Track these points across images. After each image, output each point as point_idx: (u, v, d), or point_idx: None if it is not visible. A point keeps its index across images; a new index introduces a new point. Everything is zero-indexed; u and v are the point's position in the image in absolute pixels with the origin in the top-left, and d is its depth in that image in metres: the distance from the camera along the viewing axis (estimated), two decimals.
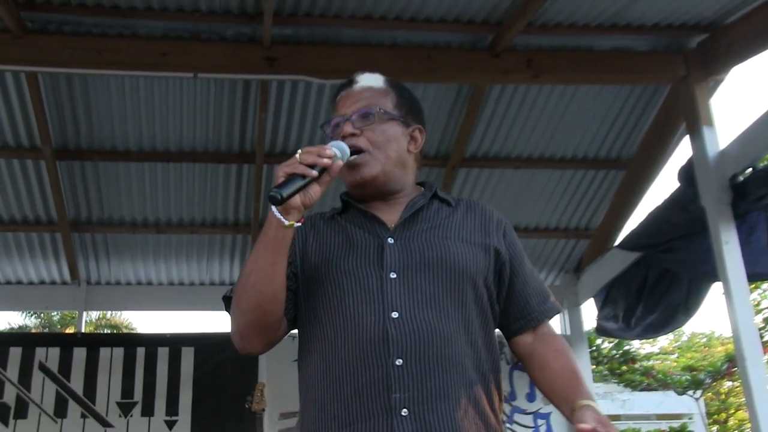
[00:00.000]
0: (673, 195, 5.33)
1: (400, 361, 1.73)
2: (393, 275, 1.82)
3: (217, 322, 40.65)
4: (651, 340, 20.07)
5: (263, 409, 6.10)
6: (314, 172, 1.72)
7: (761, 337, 10.82)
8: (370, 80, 2.06)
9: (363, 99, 1.99)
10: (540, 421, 6.83)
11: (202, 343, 6.70)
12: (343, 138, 1.93)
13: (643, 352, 20.19)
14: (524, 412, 6.87)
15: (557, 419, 6.87)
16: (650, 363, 19.83)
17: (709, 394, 20.18)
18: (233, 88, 5.39)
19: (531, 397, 6.92)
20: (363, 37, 4.91)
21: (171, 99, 5.44)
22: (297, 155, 1.74)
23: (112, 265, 6.92)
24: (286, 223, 1.73)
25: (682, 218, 5.21)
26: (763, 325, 12.40)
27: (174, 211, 6.43)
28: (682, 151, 6.81)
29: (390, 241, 1.89)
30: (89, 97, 5.40)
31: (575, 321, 7.14)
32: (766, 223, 4.85)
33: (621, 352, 18.54)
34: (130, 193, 6.21)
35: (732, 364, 17.54)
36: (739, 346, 4.45)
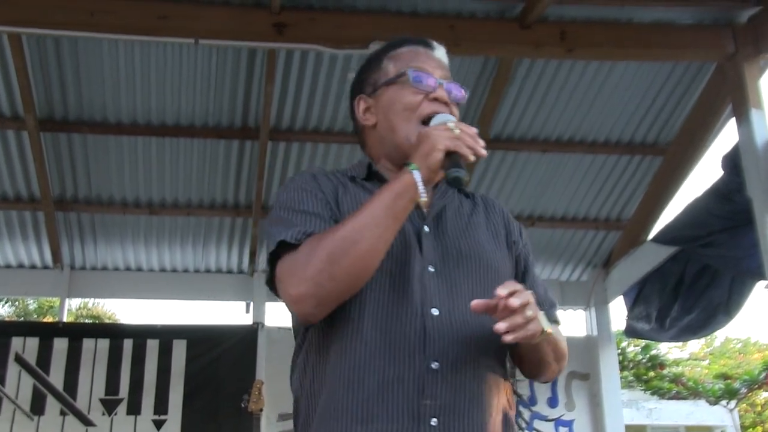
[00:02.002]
0: (715, 184, 5.33)
1: (437, 364, 1.71)
2: (431, 268, 1.82)
3: (212, 313, 40.76)
4: (680, 344, 20.10)
5: (261, 410, 6.13)
6: (472, 157, 1.73)
7: None
8: (444, 53, 2.04)
9: (446, 69, 1.99)
10: (562, 429, 6.87)
11: (195, 335, 6.73)
12: (437, 101, 1.90)
13: (671, 357, 20.22)
14: (545, 419, 6.90)
15: (581, 426, 6.89)
16: (680, 369, 19.86)
17: (744, 405, 20.17)
18: (237, 57, 5.39)
19: (553, 402, 6.95)
20: (381, 3, 4.91)
21: (169, 67, 5.44)
22: (453, 128, 1.73)
23: (99, 249, 6.94)
24: (424, 197, 1.72)
25: (726, 210, 5.22)
26: None
27: (169, 190, 6.44)
28: (727, 136, 6.82)
29: (426, 229, 1.87)
30: (79, 63, 5.39)
31: (602, 320, 7.17)
32: None
33: (648, 356, 18.57)
34: (121, 169, 6.21)
35: None
36: None
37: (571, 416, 6.98)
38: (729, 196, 5.14)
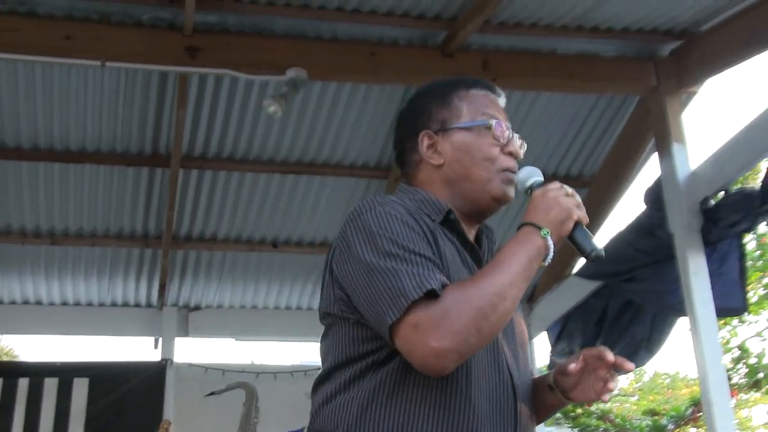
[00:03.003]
0: (638, 218, 5.47)
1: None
2: (506, 349, 1.91)
3: (117, 349, 39.88)
4: None
5: None
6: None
7: (729, 379, 11.09)
8: (504, 102, 2.11)
9: (509, 123, 2.05)
10: None
11: (98, 373, 6.63)
12: (513, 156, 1.98)
13: None
14: None
15: None
16: (608, 406, 20.15)
17: None
18: (147, 81, 5.35)
19: None
20: (299, 27, 4.93)
21: (73, 90, 5.36)
22: (571, 192, 1.85)
23: None
24: (549, 261, 1.82)
25: (648, 244, 5.35)
26: (732, 365, 12.74)
27: (72, 219, 6.35)
28: (650, 170, 7.00)
29: None
30: None
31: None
32: (739, 253, 5.02)
33: None
34: (21, 196, 6.11)
35: (697, 409, 17.89)
36: (706, 388, 4.59)
37: None
38: (651, 231, 5.27)
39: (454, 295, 1.69)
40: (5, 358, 16.73)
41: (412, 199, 1.95)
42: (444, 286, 1.70)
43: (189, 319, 7.27)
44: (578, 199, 1.85)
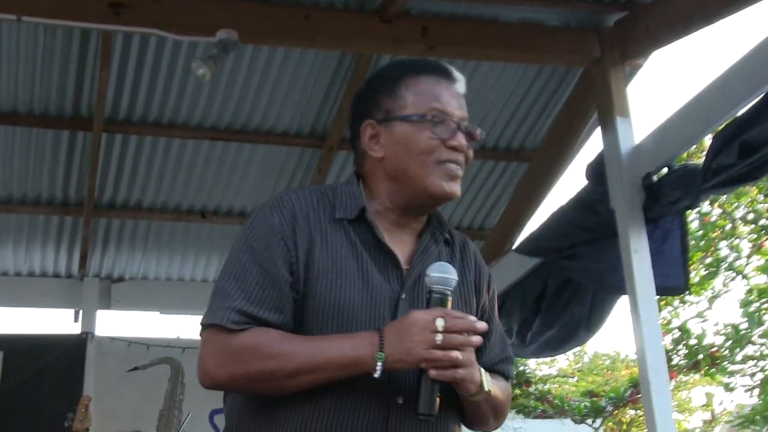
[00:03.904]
0: (579, 194, 5.51)
1: None
2: None
3: (34, 321, 39.20)
4: (549, 360, 20.73)
5: (87, 429, 5.99)
6: (460, 373, 1.78)
7: (669, 360, 11.31)
8: (463, 84, 2.10)
9: (464, 109, 2.03)
10: None
11: (13, 346, 6.53)
12: (456, 150, 1.95)
13: (540, 374, 20.79)
14: None
15: None
16: (547, 387, 20.43)
17: (610, 423, 20.95)
18: (68, 39, 5.23)
19: None
20: None
21: None
22: (439, 328, 1.74)
23: None
24: (378, 375, 1.75)
25: (589, 221, 5.40)
26: (672, 346, 12.97)
27: None
28: (593, 144, 7.09)
29: (403, 296, 1.91)
30: None
31: None
32: (681, 231, 5.08)
33: (515, 373, 19.00)
34: None
35: (636, 390, 18.24)
36: (644, 369, 4.64)
37: None
38: (592, 207, 5.32)
39: (250, 341, 1.79)
40: None
41: (332, 193, 1.99)
42: (252, 319, 1.80)
43: (111, 290, 7.15)
44: (448, 340, 1.75)
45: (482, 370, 1.85)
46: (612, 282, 5.38)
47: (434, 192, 1.93)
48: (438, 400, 1.76)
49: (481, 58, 5.47)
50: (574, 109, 5.80)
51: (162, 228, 6.83)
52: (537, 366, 20.63)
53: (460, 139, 1.96)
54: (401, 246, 1.97)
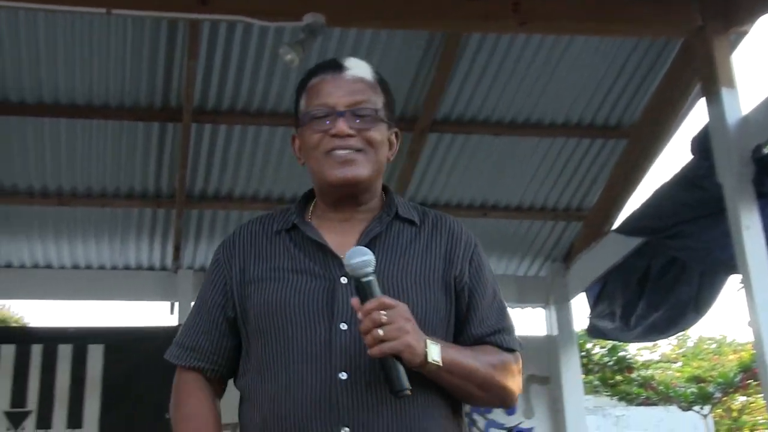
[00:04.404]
0: (683, 169, 5.38)
1: (347, 430, 1.86)
2: (343, 326, 1.92)
3: (132, 314, 40.36)
4: (650, 345, 20.39)
5: None
6: (384, 348, 1.82)
7: None
8: (360, 69, 2.13)
9: (357, 92, 2.07)
10: None
11: (113, 339, 6.65)
12: (335, 136, 2.01)
13: (641, 359, 20.49)
14: (502, 427, 6.94)
15: None
16: (649, 372, 20.12)
17: (719, 410, 20.52)
18: (156, 30, 5.30)
19: (510, 410, 6.96)
20: None
21: (78, 41, 5.33)
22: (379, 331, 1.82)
23: (3, 244, 6.82)
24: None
25: (695, 197, 5.27)
26: None
27: (81, 178, 6.33)
28: (696, 117, 6.90)
29: (343, 280, 1.96)
30: None
31: (564, 319, 7.21)
32: None
33: (615, 359, 18.75)
34: (26, 154, 6.09)
35: (747, 376, 17.84)
36: (761, 351, 4.47)
37: (530, 424, 7.02)
38: (698, 183, 5.19)
39: (179, 391, 2.15)
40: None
41: (280, 213, 2.17)
42: (188, 359, 2.13)
43: None
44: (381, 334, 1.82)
45: (429, 341, 1.86)
46: (721, 261, 5.25)
47: (331, 181, 2.03)
48: (400, 372, 1.80)
49: (574, 32, 5.37)
50: (674, 82, 5.66)
51: (253, 217, 6.86)
52: (638, 351, 20.33)
53: (340, 125, 2.01)
54: (347, 237, 2.03)
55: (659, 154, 6.14)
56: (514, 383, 2.03)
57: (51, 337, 6.64)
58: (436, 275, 2.03)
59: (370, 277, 1.85)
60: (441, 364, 1.86)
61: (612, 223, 6.59)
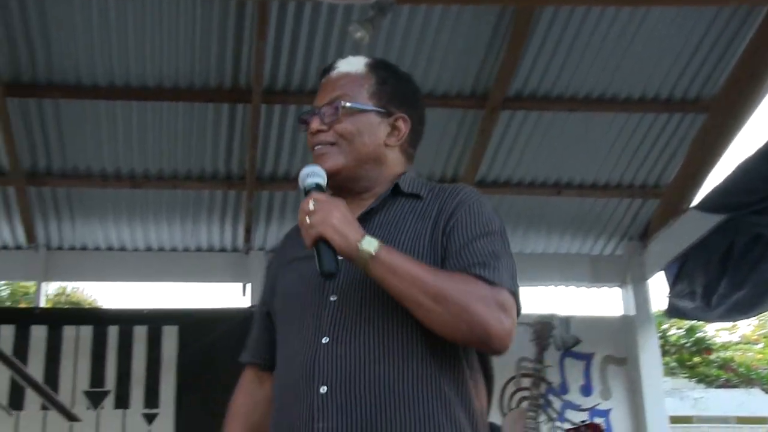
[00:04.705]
0: None
1: (324, 388, 1.95)
2: (333, 297, 2.04)
3: (205, 295, 40.78)
4: (729, 326, 20.03)
5: None
6: (310, 232, 1.97)
7: None
8: (348, 65, 2.27)
9: (337, 88, 2.21)
10: (598, 420, 6.83)
11: (187, 320, 6.72)
12: (311, 134, 2.19)
13: (719, 340, 20.18)
14: (578, 409, 6.88)
15: (618, 416, 6.87)
16: (729, 354, 19.81)
17: None
18: (225, 11, 5.33)
19: (587, 390, 6.93)
20: None
21: (148, 22, 5.39)
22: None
23: (77, 227, 6.92)
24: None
25: None
26: None
27: (152, 160, 6.41)
28: None
29: (339, 257, 2.03)
30: (47, 19, 5.36)
31: (641, 299, 7.13)
32: None
33: (693, 339, 18.51)
34: (99, 138, 6.18)
35: None
36: None
37: (607, 405, 6.95)
38: None
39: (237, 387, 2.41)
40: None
41: None
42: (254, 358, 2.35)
43: None
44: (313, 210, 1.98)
45: (368, 236, 1.93)
46: None
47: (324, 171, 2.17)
48: (327, 254, 1.93)
49: (653, 3, 5.28)
50: (757, 52, 5.53)
51: None
52: (716, 333, 20.03)
53: (312, 123, 2.18)
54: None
55: (741, 127, 6.00)
56: (487, 311, 1.90)
57: (127, 319, 6.74)
58: (423, 240, 2.06)
59: (313, 185, 2.05)
60: (373, 253, 1.90)
61: (691, 200, 6.48)
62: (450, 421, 1.95)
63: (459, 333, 1.92)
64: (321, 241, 1.92)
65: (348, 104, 2.16)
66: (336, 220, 1.93)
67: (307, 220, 1.94)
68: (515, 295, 1.99)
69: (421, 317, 1.92)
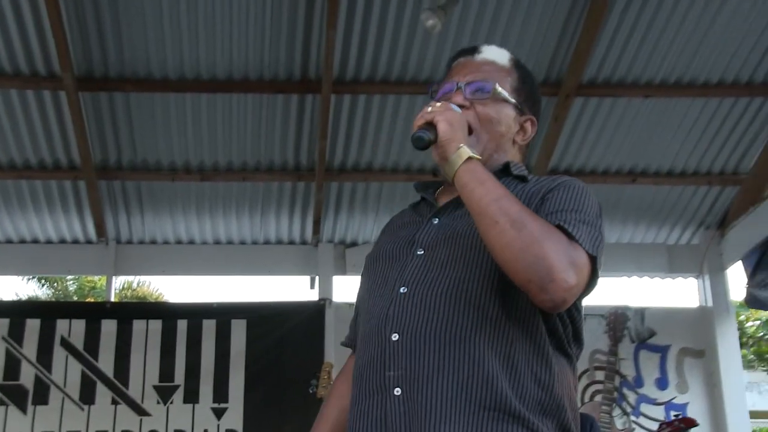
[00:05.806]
0: None
1: (396, 336, 1.98)
2: (420, 251, 2.08)
3: (273, 289, 40.80)
4: None
5: None
6: (427, 117, 2.02)
7: None
8: (494, 54, 2.30)
9: (481, 71, 2.24)
10: (674, 414, 6.79)
11: (255, 315, 6.80)
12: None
13: None
14: (654, 402, 6.84)
15: (696, 410, 6.81)
16: None
17: None
18: (295, 1, 5.40)
19: (663, 383, 6.89)
20: None
21: (218, 14, 5.48)
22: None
23: (147, 221, 7.05)
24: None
25: None
26: None
27: (222, 153, 6.51)
28: None
29: (435, 221, 2.15)
30: (119, 12, 5.47)
31: (718, 289, 7.06)
32: None
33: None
34: (169, 131, 6.31)
35: None
36: None
37: (684, 399, 6.90)
38: None
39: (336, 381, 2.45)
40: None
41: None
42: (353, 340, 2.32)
43: (346, 256, 7.26)
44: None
45: (466, 147, 1.98)
46: None
47: (437, 162, 2.15)
48: (426, 133, 2.00)
49: None
50: None
51: (394, 189, 6.88)
52: None
53: (456, 98, 2.18)
54: (452, 197, 2.19)
55: None
56: (558, 255, 1.85)
57: (195, 313, 6.81)
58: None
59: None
60: (469, 156, 1.96)
61: None
62: (516, 392, 1.90)
63: (522, 264, 1.83)
64: (431, 126, 1.99)
65: (500, 90, 2.20)
66: (453, 118, 2.00)
67: (428, 108, 2.01)
68: (593, 260, 1.96)
69: (491, 238, 1.87)
